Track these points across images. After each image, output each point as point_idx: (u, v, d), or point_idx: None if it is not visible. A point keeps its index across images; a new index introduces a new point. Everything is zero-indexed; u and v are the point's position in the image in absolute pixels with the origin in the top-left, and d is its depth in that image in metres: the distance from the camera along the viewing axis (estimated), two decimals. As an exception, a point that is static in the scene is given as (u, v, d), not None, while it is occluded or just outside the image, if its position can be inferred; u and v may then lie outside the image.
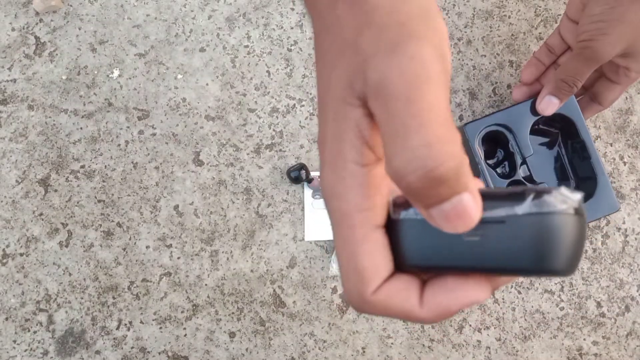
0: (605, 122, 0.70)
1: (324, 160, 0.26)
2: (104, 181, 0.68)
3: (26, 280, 0.66)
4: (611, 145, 0.69)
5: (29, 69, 0.71)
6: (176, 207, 0.68)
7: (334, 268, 0.65)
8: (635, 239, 0.67)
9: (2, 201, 0.68)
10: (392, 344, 0.65)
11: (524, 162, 0.63)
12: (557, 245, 0.23)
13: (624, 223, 0.67)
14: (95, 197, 0.68)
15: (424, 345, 0.65)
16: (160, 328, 0.65)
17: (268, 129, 0.69)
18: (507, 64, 0.71)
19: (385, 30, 0.24)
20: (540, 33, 0.72)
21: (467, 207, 0.23)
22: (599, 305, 0.66)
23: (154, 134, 0.69)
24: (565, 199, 0.23)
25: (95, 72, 0.71)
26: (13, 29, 0.72)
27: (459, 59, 0.71)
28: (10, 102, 0.70)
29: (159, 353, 0.64)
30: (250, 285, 0.66)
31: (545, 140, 0.67)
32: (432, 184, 0.22)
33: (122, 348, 0.65)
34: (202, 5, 0.73)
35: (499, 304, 0.65)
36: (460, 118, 0.70)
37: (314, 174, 0.68)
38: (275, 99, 0.70)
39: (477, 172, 0.63)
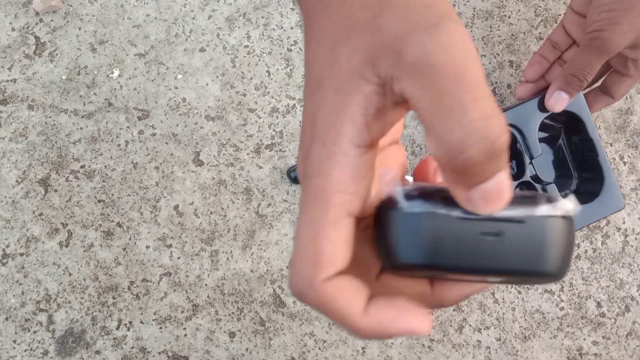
0: (605, 122, 0.70)
1: (314, 134, 0.25)
2: (104, 181, 0.68)
3: (26, 280, 0.66)
4: (611, 145, 0.69)
5: (29, 69, 0.71)
6: (176, 207, 0.68)
7: None
8: (635, 239, 0.67)
9: (2, 201, 0.68)
10: (392, 344, 0.65)
11: (530, 161, 0.62)
12: (568, 248, 0.23)
13: (624, 223, 0.67)
14: (95, 197, 0.68)
15: (423, 345, 0.65)
16: (160, 328, 0.65)
17: (268, 129, 0.69)
18: (507, 64, 0.71)
19: (412, 11, 0.24)
20: (540, 33, 0.72)
21: (505, 186, 0.23)
22: (599, 305, 0.66)
23: (154, 134, 0.69)
24: (573, 205, 0.23)
25: (95, 72, 0.71)
26: (13, 29, 0.72)
27: (459, 59, 0.71)
28: (10, 102, 0.70)
29: (159, 353, 0.65)
30: (250, 285, 0.66)
31: (546, 135, 0.65)
32: (492, 157, 0.22)
33: (122, 348, 0.65)
34: (202, 5, 0.73)
35: (499, 304, 0.66)
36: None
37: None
38: (275, 99, 0.70)
39: None
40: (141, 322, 0.65)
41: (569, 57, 0.61)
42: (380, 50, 0.24)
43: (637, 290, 0.66)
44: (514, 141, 0.61)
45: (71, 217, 0.68)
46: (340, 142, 0.24)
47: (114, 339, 0.65)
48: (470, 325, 0.65)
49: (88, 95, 0.70)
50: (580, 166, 0.64)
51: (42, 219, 0.68)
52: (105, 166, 0.69)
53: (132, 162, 0.69)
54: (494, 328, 0.65)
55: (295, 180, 0.65)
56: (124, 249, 0.67)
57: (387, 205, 0.25)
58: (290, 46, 0.70)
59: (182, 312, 0.65)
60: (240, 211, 0.67)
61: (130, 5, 0.72)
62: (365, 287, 0.25)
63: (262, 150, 0.69)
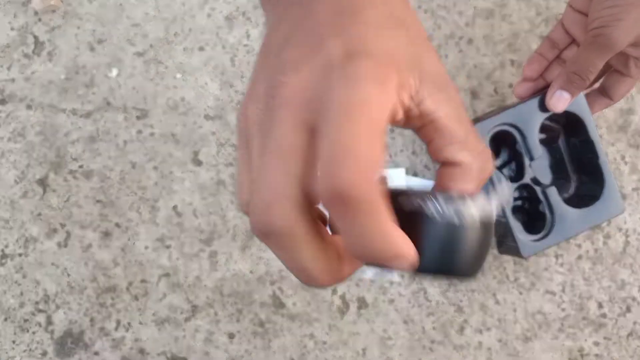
0: (607, 121, 0.69)
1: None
2: (102, 181, 0.68)
3: (25, 281, 0.66)
4: (612, 145, 0.69)
5: (28, 68, 0.71)
6: (175, 207, 0.67)
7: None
8: (637, 239, 0.67)
9: (0, 201, 0.68)
10: (392, 345, 0.64)
11: (530, 163, 0.61)
12: (480, 251, 0.25)
13: (625, 223, 0.67)
14: (94, 197, 0.68)
15: (424, 346, 0.64)
16: (159, 329, 0.65)
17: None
18: (508, 63, 0.71)
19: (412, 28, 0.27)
20: (541, 32, 0.71)
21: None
22: (600, 305, 0.66)
23: (153, 134, 0.69)
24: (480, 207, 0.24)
25: (94, 72, 0.71)
26: (12, 29, 0.72)
27: (460, 58, 0.71)
28: (8, 101, 0.70)
29: (158, 354, 0.64)
30: (250, 286, 0.66)
31: (545, 136, 0.64)
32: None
33: (120, 349, 0.64)
34: (201, 3, 0.72)
35: (500, 305, 0.65)
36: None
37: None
38: (275, 99, 0.69)
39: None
40: (140, 323, 0.65)
41: (568, 56, 0.60)
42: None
43: (639, 291, 0.66)
44: (513, 142, 0.60)
45: (69, 217, 0.67)
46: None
47: (113, 340, 0.65)
48: (471, 327, 0.65)
49: (86, 95, 0.70)
50: (579, 169, 0.63)
51: (41, 219, 0.67)
52: (104, 166, 0.68)
53: (131, 162, 0.69)
54: (495, 329, 0.65)
55: None
56: (123, 250, 0.67)
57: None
58: (290, 45, 0.70)
59: (181, 313, 0.65)
60: (240, 212, 0.67)
61: (129, 4, 0.72)
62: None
63: (262, 150, 0.69)
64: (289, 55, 0.26)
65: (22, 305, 0.66)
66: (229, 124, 0.69)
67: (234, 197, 0.68)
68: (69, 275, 0.66)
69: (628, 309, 0.66)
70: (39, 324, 0.65)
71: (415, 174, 0.68)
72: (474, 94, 0.70)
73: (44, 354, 0.65)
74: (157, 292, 0.66)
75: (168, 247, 0.67)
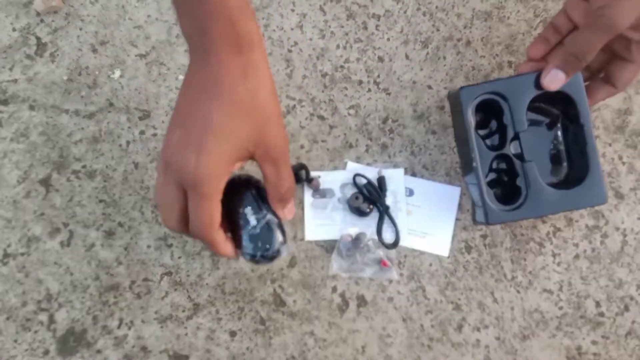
0: (604, 122, 0.70)
1: (205, 143, 0.46)
2: (105, 181, 0.69)
3: (27, 280, 0.67)
4: (610, 146, 0.69)
5: (30, 69, 0.71)
6: (177, 206, 0.68)
7: (334, 267, 0.66)
8: (634, 238, 0.67)
9: (3, 201, 0.68)
10: (391, 342, 0.65)
11: (516, 137, 0.60)
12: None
13: (622, 223, 0.68)
14: (97, 197, 0.68)
15: (423, 344, 0.65)
16: (161, 327, 0.65)
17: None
18: (506, 64, 0.71)
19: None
20: (539, 33, 0.72)
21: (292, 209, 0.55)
22: (598, 304, 0.66)
23: (155, 134, 0.70)
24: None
25: (97, 73, 0.71)
26: (14, 30, 0.72)
27: (458, 60, 0.71)
28: (11, 102, 0.71)
29: (160, 352, 0.65)
30: (251, 285, 0.66)
31: (545, 120, 0.64)
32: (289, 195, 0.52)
33: (123, 347, 0.65)
34: (202, 6, 0.73)
35: (498, 303, 0.66)
36: (460, 118, 0.70)
37: (314, 174, 0.68)
38: (276, 100, 0.70)
39: (466, 140, 0.60)
40: (142, 321, 0.66)
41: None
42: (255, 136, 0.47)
43: (636, 290, 0.66)
44: (500, 113, 0.60)
45: (72, 216, 0.68)
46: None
47: (115, 338, 0.65)
48: (469, 325, 0.65)
49: (89, 96, 0.71)
50: (571, 154, 0.63)
51: (44, 219, 0.68)
52: (107, 166, 0.69)
53: (134, 162, 0.69)
54: (493, 327, 0.65)
55: (295, 180, 0.65)
56: (125, 249, 0.67)
57: None
58: (291, 47, 0.71)
59: (183, 311, 0.66)
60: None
61: (132, 6, 0.73)
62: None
63: (263, 150, 0.69)
64: (170, 138, 0.47)
65: (24, 304, 0.66)
66: (230, 124, 0.70)
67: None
68: (71, 274, 0.67)
69: (626, 308, 0.66)
70: (41, 323, 0.66)
71: (413, 174, 0.69)
72: (473, 95, 0.71)
73: (46, 352, 0.65)
74: (159, 291, 0.66)
75: (170, 246, 0.67)
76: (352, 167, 0.68)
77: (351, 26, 0.72)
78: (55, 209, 0.68)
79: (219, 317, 0.65)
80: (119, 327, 0.65)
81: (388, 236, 0.65)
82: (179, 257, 0.67)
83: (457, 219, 0.67)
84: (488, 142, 0.62)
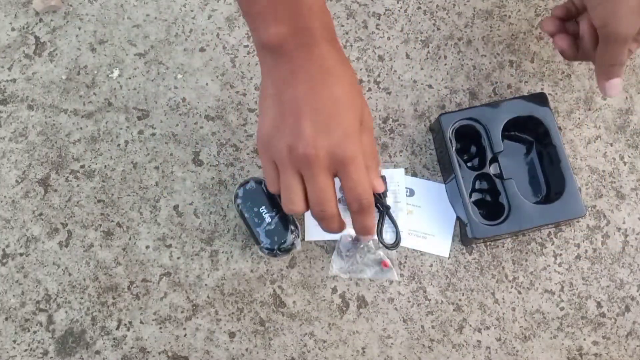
0: (606, 122, 0.70)
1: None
2: (103, 181, 0.68)
3: (26, 280, 0.66)
4: (611, 145, 0.69)
5: (29, 68, 0.71)
6: (176, 207, 0.68)
7: (334, 268, 0.65)
8: (636, 239, 0.67)
9: (2, 201, 0.68)
10: (392, 344, 0.65)
11: (495, 159, 0.65)
12: None
13: (624, 223, 0.67)
14: (95, 197, 0.68)
15: (424, 345, 0.65)
16: (160, 328, 0.65)
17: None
18: (507, 63, 0.71)
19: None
20: (540, 33, 0.72)
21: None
22: (599, 305, 0.66)
23: (154, 134, 0.69)
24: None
25: (95, 72, 0.71)
26: (13, 29, 0.72)
27: (459, 59, 0.71)
28: (10, 102, 0.70)
29: (159, 353, 0.64)
30: (250, 285, 0.66)
31: (520, 145, 0.68)
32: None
33: (122, 348, 0.65)
34: (202, 5, 0.73)
35: (499, 304, 0.65)
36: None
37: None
38: (275, 99, 0.69)
39: (448, 162, 0.65)
40: (141, 322, 0.65)
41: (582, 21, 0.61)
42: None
43: (637, 290, 0.66)
44: (478, 136, 0.65)
45: (71, 217, 0.68)
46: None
47: (114, 339, 0.65)
48: (470, 326, 0.65)
49: (88, 95, 0.70)
50: (548, 174, 0.66)
51: (42, 219, 0.68)
52: (105, 166, 0.69)
53: (132, 162, 0.69)
54: (494, 328, 0.65)
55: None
56: (124, 249, 0.67)
57: None
58: (290, 46, 0.70)
59: (182, 312, 0.65)
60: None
61: (130, 5, 0.72)
62: None
63: (262, 150, 0.69)
64: (306, 130, 0.49)
65: (23, 304, 0.66)
66: (229, 124, 0.70)
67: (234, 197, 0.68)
68: (70, 274, 0.66)
69: (627, 309, 0.66)
70: (40, 324, 0.65)
71: (414, 174, 0.68)
72: (473, 95, 0.70)
73: (45, 353, 0.65)
74: (158, 292, 0.66)
75: (169, 246, 0.67)
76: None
77: (351, 25, 0.72)
78: (53, 209, 0.68)
79: (218, 318, 0.65)
80: (117, 327, 0.65)
81: (389, 237, 0.65)
82: (178, 258, 0.67)
83: (457, 219, 0.67)
84: (469, 164, 0.67)
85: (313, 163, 0.50)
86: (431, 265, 0.66)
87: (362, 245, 0.65)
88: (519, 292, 0.66)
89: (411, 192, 0.68)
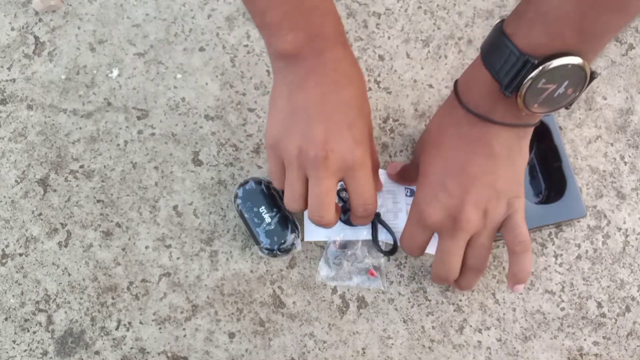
0: (606, 121, 0.70)
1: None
2: (103, 181, 0.68)
3: (25, 281, 0.66)
4: (612, 145, 0.69)
5: (28, 68, 0.71)
6: (175, 207, 0.68)
7: (321, 275, 0.65)
8: (636, 239, 0.67)
9: (1, 201, 0.68)
10: (392, 344, 0.64)
11: None
12: None
13: (624, 223, 0.67)
14: (95, 197, 0.68)
15: (424, 345, 0.64)
16: (160, 328, 0.65)
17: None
18: (507, 63, 0.71)
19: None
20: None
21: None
22: (599, 305, 0.66)
23: (153, 134, 0.69)
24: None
25: (95, 72, 0.71)
26: (12, 29, 0.72)
27: (460, 59, 0.71)
28: (9, 101, 0.70)
29: (159, 353, 0.64)
30: (250, 286, 0.66)
31: None
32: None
33: (121, 348, 0.65)
34: (201, 4, 0.72)
35: (499, 305, 0.65)
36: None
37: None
38: (275, 99, 0.69)
39: None
40: (140, 322, 0.65)
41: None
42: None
43: (638, 291, 0.66)
44: None
45: (70, 217, 0.68)
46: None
47: (114, 339, 0.65)
48: (470, 326, 0.65)
49: (87, 95, 0.70)
50: (548, 174, 0.67)
51: (42, 219, 0.68)
52: (105, 166, 0.69)
53: (132, 162, 0.69)
54: (495, 328, 0.65)
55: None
56: (123, 249, 0.67)
57: None
58: (290, 46, 0.70)
59: (182, 312, 0.65)
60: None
61: (130, 4, 0.72)
62: None
63: (262, 150, 0.69)
64: (317, 134, 0.50)
65: (22, 304, 0.66)
66: (229, 124, 0.69)
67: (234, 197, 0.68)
68: (69, 274, 0.66)
69: (627, 309, 0.66)
70: (40, 324, 0.65)
71: (415, 174, 0.68)
72: (474, 94, 0.70)
73: (45, 353, 0.65)
74: (157, 292, 0.66)
75: (168, 246, 0.67)
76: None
77: (351, 24, 0.72)
78: (53, 209, 0.68)
79: (217, 319, 0.65)
80: (117, 328, 0.65)
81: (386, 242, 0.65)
82: (178, 258, 0.66)
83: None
84: None
85: (321, 166, 0.50)
86: (431, 266, 0.66)
87: (349, 253, 0.65)
88: (520, 293, 0.66)
89: (411, 192, 0.68)
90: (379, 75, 0.70)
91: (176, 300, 0.65)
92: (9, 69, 0.71)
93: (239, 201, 0.62)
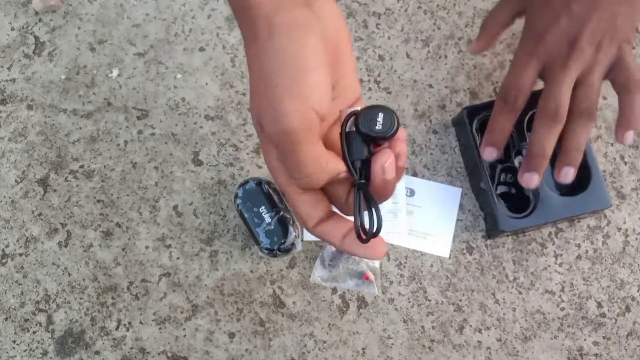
0: (606, 121, 0.70)
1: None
2: (103, 181, 0.68)
3: (25, 281, 0.66)
4: (612, 145, 0.69)
5: (28, 68, 0.71)
6: (175, 207, 0.68)
7: (316, 275, 0.65)
8: (636, 239, 0.67)
9: (1, 201, 0.68)
10: (392, 344, 0.64)
11: (519, 152, 0.64)
12: None
13: (624, 223, 0.67)
14: (95, 197, 0.68)
15: (424, 345, 0.64)
16: (160, 328, 0.65)
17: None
18: (508, 63, 0.71)
19: None
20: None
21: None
22: (599, 305, 0.66)
23: (153, 134, 0.69)
24: None
25: (95, 72, 0.71)
26: (12, 29, 0.72)
27: (460, 59, 0.71)
28: (9, 101, 0.70)
29: (159, 353, 0.64)
30: (250, 286, 0.66)
31: None
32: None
33: (121, 348, 0.65)
34: (201, 4, 0.72)
35: (499, 305, 0.65)
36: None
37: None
38: (275, 99, 0.69)
39: (472, 155, 0.64)
40: (140, 322, 0.65)
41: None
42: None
43: (638, 291, 0.66)
44: None
45: (70, 217, 0.68)
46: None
47: (114, 339, 0.65)
48: (470, 326, 0.65)
49: (87, 95, 0.70)
50: None
51: (42, 219, 0.68)
52: (105, 166, 0.69)
53: (132, 162, 0.69)
54: (495, 328, 0.65)
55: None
56: (123, 249, 0.67)
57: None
58: (290, 46, 0.70)
59: (182, 312, 0.65)
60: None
61: (130, 4, 0.72)
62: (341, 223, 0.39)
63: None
64: (283, 107, 0.35)
65: (22, 304, 0.66)
66: (229, 124, 0.69)
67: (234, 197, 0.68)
68: (69, 274, 0.66)
69: (627, 309, 0.66)
70: (40, 324, 0.65)
71: (414, 174, 0.68)
72: (474, 95, 0.70)
73: (45, 353, 0.65)
74: (157, 292, 0.66)
75: (168, 246, 0.67)
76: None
77: (351, 24, 0.72)
78: (53, 209, 0.68)
79: (217, 319, 0.65)
80: (117, 328, 0.65)
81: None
82: (178, 258, 0.66)
83: (458, 220, 0.67)
84: None
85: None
86: (431, 266, 0.66)
87: (346, 255, 0.65)
88: (520, 293, 0.66)
89: (411, 192, 0.68)
90: (378, 75, 0.70)
91: (176, 300, 0.65)
92: (9, 69, 0.71)
93: (239, 201, 0.62)
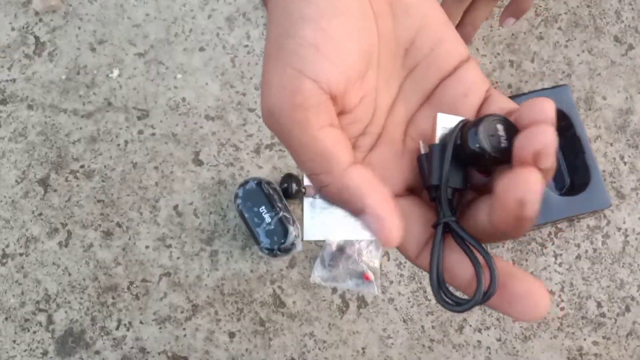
0: (606, 122, 0.70)
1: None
2: (103, 181, 0.68)
3: (26, 280, 0.66)
4: (611, 145, 0.69)
5: (29, 68, 0.71)
6: (176, 207, 0.68)
7: (315, 275, 0.65)
8: (636, 239, 0.67)
9: (1, 201, 0.68)
10: (392, 344, 0.65)
11: None
12: None
13: (624, 223, 0.67)
14: (95, 197, 0.68)
15: (424, 345, 0.65)
16: (160, 328, 0.65)
17: (268, 129, 0.69)
18: (507, 63, 0.71)
19: None
20: (540, 33, 0.71)
21: None
22: (599, 305, 0.66)
23: (154, 134, 0.69)
24: None
25: (95, 72, 0.71)
26: (13, 29, 0.72)
27: (459, 59, 0.71)
28: (9, 101, 0.70)
29: (159, 353, 0.64)
30: (250, 286, 0.66)
31: None
32: None
33: (121, 348, 0.65)
34: (201, 4, 0.72)
35: (499, 304, 0.65)
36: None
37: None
38: (275, 99, 0.69)
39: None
40: (141, 322, 0.65)
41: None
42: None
43: (638, 291, 0.66)
44: None
45: (70, 217, 0.68)
46: None
47: (114, 339, 0.65)
48: (470, 326, 0.65)
49: (87, 95, 0.70)
50: (571, 165, 0.66)
51: (42, 219, 0.68)
52: (105, 166, 0.69)
53: (132, 162, 0.69)
54: (495, 328, 0.65)
55: (286, 195, 0.65)
56: (124, 249, 0.67)
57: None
58: (290, 46, 0.70)
59: (182, 312, 0.65)
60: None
61: (130, 4, 0.72)
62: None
63: (262, 150, 0.69)
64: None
65: (23, 304, 0.66)
66: (229, 124, 0.69)
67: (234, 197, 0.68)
68: (69, 274, 0.66)
69: (627, 309, 0.66)
70: (40, 324, 0.65)
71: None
72: (474, 94, 0.70)
73: (45, 353, 0.65)
74: (157, 292, 0.66)
75: (169, 246, 0.67)
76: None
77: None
78: (53, 209, 0.68)
79: (218, 319, 0.65)
80: (117, 328, 0.65)
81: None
82: (178, 258, 0.66)
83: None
84: None
85: None
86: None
87: (346, 255, 0.65)
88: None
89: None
90: (378, 75, 0.71)
91: (176, 300, 0.66)
92: (9, 69, 0.71)
93: (239, 201, 0.62)
